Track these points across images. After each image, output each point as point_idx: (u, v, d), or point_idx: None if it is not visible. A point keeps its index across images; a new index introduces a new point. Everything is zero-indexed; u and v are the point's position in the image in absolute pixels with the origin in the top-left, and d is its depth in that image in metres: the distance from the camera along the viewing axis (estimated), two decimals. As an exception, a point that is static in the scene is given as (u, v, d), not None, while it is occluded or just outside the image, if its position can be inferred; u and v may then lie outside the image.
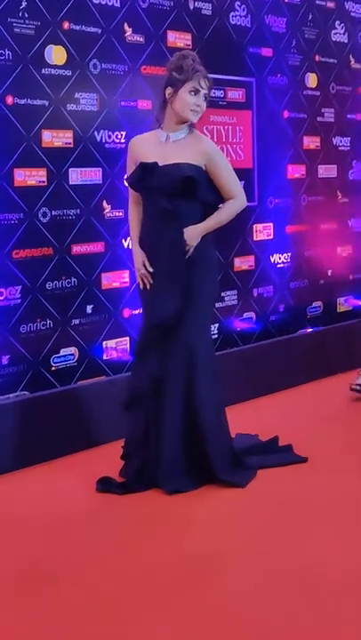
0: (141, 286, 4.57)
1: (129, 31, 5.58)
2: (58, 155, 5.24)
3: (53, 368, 5.31)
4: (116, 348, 5.65)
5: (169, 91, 4.47)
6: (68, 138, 5.28)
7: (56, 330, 5.32)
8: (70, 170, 5.31)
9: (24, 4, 4.99)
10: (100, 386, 5.35)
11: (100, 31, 5.41)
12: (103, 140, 5.48)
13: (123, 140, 5.56)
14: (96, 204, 5.47)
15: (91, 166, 5.42)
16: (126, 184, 4.63)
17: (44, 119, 5.14)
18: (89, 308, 5.49)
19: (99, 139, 5.45)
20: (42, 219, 5.19)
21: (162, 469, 4.42)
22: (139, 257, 4.56)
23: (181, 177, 4.37)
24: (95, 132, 5.43)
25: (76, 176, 5.36)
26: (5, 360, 5.05)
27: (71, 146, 5.30)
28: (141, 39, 5.68)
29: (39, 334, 5.24)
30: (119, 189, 5.54)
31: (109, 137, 5.50)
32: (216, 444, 4.47)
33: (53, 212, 5.25)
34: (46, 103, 5.15)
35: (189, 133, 4.54)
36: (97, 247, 5.51)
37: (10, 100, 4.96)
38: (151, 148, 4.52)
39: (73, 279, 5.39)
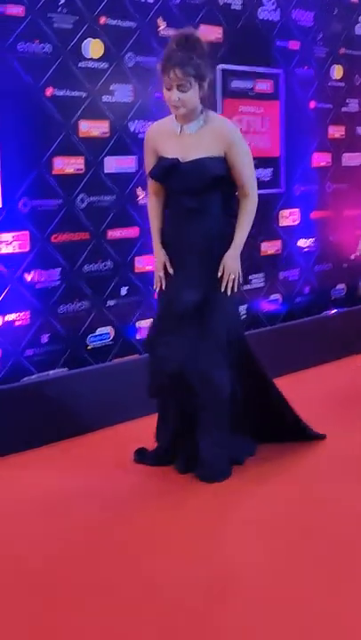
0: (156, 287, 4.27)
1: (163, 25, 5.53)
2: (94, 144, 5.24)
3: (90, 347, 5.33)
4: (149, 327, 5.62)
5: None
6: (104, 128, 5.27)
7: (92, 310, 5.33)
8: (106, 158, 5.30)
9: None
10: (133, 363, 5.33)
11: (135, 25, 5.38)
12: (137, 130, 5.44)
13: None
14: (130, 190, 5.45)
15: (125, 155, 5.39)
16: (147, 176, 4.29)
17: (81, 110, 5.13)
18: (123, 290, 5.50)
19: (133, 129, 5.43)
20: (79, 205, 5.18)
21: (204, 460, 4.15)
22: (161, 257, 4.25)
23: (208, 176, 4.05)
24: (130, 123, 5.40)
25: (112, 164, 5.34)
26: (45, 339, 5.06)
27: (107, 135, 5.30)
28: (174, 32, 5.57)
29: (77, 314, 5.26)
30: None
31: (143, 127, 5.42)
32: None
33: (90, 199, 5.24)
34: (84, 95, 5.14)
35: (205, 121, 4.12)
36: (131, 232, 5.50)
37: (49, 91, 4.94)
38: (169, 140, 4.15)
39: (108, 262, 5.39)
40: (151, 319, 4.54)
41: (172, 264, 4.20)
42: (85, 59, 5.12)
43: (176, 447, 4.28)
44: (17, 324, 4.90)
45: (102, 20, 5.18)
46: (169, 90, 3.96)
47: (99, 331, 5.37)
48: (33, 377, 4.95)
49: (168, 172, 4.07)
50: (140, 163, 5.39)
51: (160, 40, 5.49)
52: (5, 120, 4.73)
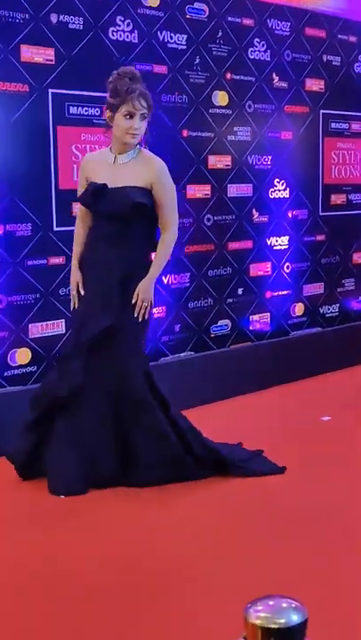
0: (72, 305, 3.88)
1: (276, 79, 5.74)
2: (219, 174, 5.42)
3: (212, 335, 5.51)
4: (260, 320, 5.81)
5: (108, 114, 3.76)
6: (227, 161, 5.46)
7: (215, 306, 5.50)
8: (229, 185, 5.49)
9: (197, 59, 5.21)
10: (247, 349, 5.62)
11: (254, 79, 5.59)
12: (253, 163, 5.64)
13: (269, 163, 5.74)
14: (247, 211, 5.64)
15: (244, 182, 5.59)
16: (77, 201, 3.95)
17: (209, 147, 5.34)
18: (240, 291, 5.65)
19: (250, 161, 5.62)
20: (206, 222, 5.39)
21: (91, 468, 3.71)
22: (74, 277, 3.85)
23: (130, 202, 3.67)
24: (248, 157, 5.60)
25: (233, 190, 5.52)
26: (177, 328, 5.29)
27: (229, 167, 5.49)
28: (285, 85, 5.82)
29: (202, 309, 5.43)
30: (265, 200, 5.76)
31: (258, 160, 5.67)
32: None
33: (215, 218, 5.44)
34: (212, 135, 5.35)
35: (138, 153, 3.80)
36: (247, 244, 5.67)
37: (185, 133, 5.20)
38: (101, 168, 3.79)
39: (228, 268, 5.56)
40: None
41: (87, 286, 3.81)
42: (214, 106, 5.35)
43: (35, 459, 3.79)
44: (156, 315, 5.02)
45: (228, 75, 5.43)
46: (131, 118, 3.67)
47: (220, 322, 5.53)
48: (168, 358, 5.20)
49: (95, 195, 3.72)
50: (255, 189, 5.66)
51: (274, 91, 5.71)
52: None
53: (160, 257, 3.84)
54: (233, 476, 3.88)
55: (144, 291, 3.77)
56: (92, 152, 3.98)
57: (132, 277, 3.75)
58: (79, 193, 3.87)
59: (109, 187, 3.72)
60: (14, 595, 2.83)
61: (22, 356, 4.56)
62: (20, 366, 4.55)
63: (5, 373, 4.50)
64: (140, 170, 3.76)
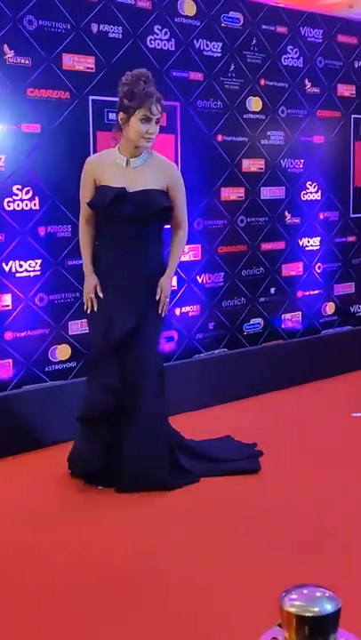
0: (87, 309, 3.76)
1: (308, 85, 5.73)
2: (253, 177, 5.43)
3: (245, 333, 5.52)
4: (291, 319, 5.81)
5: (121, 116, 3.63)
6: (260, 164, 5.47)
7: (247, 305, 5.51)
8: (262, 188, 5.50)
9: (232, 66, 5.22)
10: (278, 347, 5.62)
11: (287, 85, 5.59)
12: (286, 166, 5.65)
13: (301, 166, 5.73)
14: (280, 213, 5.65)
15: (277, 185, 5.59)
16: (84, 204, 3.78)
17: (243, 151, 5.35)
18: (272, 290, 5.66)
19: (283, 165, 5.63)
20: (239, 224, 5.40)
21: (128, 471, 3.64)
22: (92, 281, 3.72)
23: (155, 206, 3.63)
24: (281, 160, 5.60)
25: (266, 192, 5.54)
26: (211, 326, 5.32)
27: (262, 170, 5.50)
28: (317, 90, 5.81)
29: (235, 308, 5.44)
30: (297, 202, 5.75)
31: (291, 164, 5.67)
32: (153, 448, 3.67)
33: (248, 219, 5.45)
34: (246, 139, 5.36)
35: (150, 156, 3.72)
36: (280, 245, 5.68)
37: (220, 137, 5.21)
38: (112, 171, 3.66)
39: (261, 268, 5.57)
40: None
41: (107, 288, 3.71)
42: (248, 112, 5.36)
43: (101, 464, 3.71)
44: (190, 314, 5.18)
45: (262, 81, 5.43)
46: (147, 122, 3.57)
47: (252, 321, 5.54)
48: (202, 355, 5.23)
49: (114, 199, 3.60)
50: (288, 192, 5.65)
51: (306, 96, 5.70)
52: (186, 159, 4.99)
53: (177, 255, 3.83)
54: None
55: (166, 287, 3.75)
56: (95, 154, 3.85)
57: (152, 276, 3.73)
58: (86, 196, 3.74)
59: (128, 190, 3.63)
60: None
61: (62, 352, 4.61)
62: (61, 362, 4.60)
63: (47, 369, 4.55)
64: (155, 172, 3.69)
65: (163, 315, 3.76)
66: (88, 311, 3.76)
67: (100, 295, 3.70)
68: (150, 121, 3.57)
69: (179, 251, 3.84)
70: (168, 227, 3.88)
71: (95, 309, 3.73)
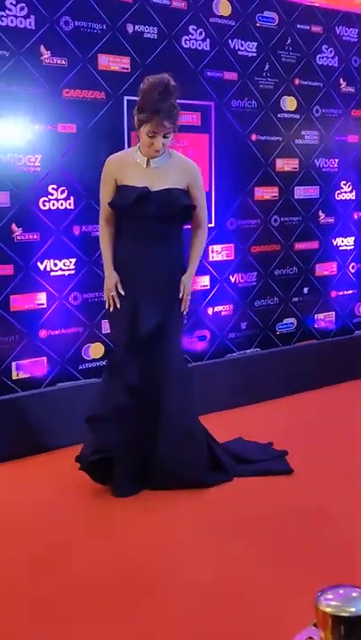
0: (109, 306, 3.74)
1: (343, 84, 5.70)
2: (287, 177, 5.44)
3: (278, 332, 5.53)
4: (325, 319, 5.81)
5: (135, 121, 3.60)
6: (294, 164, 5.48)
7: (281, 305, 5.52)
8: (296, 187, 5.50)
9: (267, 66, 5.23)
10: (311, 347, 5.62)
11: (321, 85, 5.58)
12: (320, 166, 5.65)
13: (335, 166, 5.72)
14: (314, 212, 5.64)
15: (311, 185, 5.59)
16: (103, 204, 3.77)
17: (277, 151, 5.36)
18: (305, 290, 5.67)
19: (317, 164, 5.63)
20: (273, 224, 5.41)
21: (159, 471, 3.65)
22: (112, 279, 3.70)
23: (179, 205, 3.63)
24: (315, 160, 5.60)
25: (300, 192, 5.54)
26: (244, 325, 5.33)
27: (297, 170, 5.50)
28: (352, 90, 5.78)
29: (268, 308, 5.46)
30: (331, 202, 5.74)
31: (325, 163, 5.67)
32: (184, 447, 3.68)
33: (282, 219, 5.46)
34: (280, 139, 5.37)
35: (169, 156, 3.69)
36: (313, 245, 5.67)
37: (254, 137, 5.23)
38: (132, 171, 3.65)
39: (294, 268, 5.58)
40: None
41: (129, 286, 3.69)
42: (283, 111, 5.37)
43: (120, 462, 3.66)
44: (223, 313, 5.20)
45: (296, 81, 5.44)
46: (152, 137, 3.54)
47: (285, 320, 5.56)
48: (234, 354, 5.25)
49: (138, 199, 3.58)
50: (322, 191, 5.65)
51: (341, 96, 5.69)
52: (221, 158, 5.02)
53: (198, 254, 3.82)
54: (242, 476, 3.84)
55: (188, 286, 3.75)
56: (116, 154, 3.78)
57: (174, 275, 3.73)
58: (107, 196, 3.71)
59: (151, 190, 3.61)
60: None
61: (96, 350, 4.65)
62: (94, 360, 4.64)
63: (80, 367, 4.60)
64: (176, 171, 3.67)
65: (184, 313, 3.78)
66: (111, 309, 3.74)
67: (122, 292, 3.69)
68: (156, 136, 3.53)
69: (200, 250, 3.84)
70: (188, 227, 3.88)
71: (118, 306, 3.71)
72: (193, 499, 3.62)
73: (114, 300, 3.71)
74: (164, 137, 3.55)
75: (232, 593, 2.79)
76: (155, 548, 3.14)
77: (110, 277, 3.73)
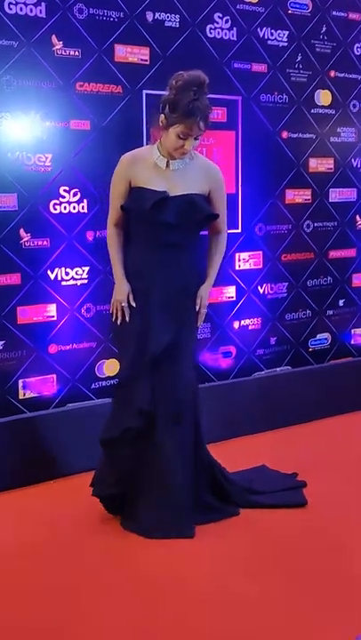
0: (115, 319, 3.61)
1: None
2: (321, 178, 5.35)
3: (310, 349, 5.45)
4: None
5: (162, 119, 3.45)
6: (329, 164, 5.38)
7: (314, 318, 5.45)
8: (330, 190, 5.40)
9: (299, 57, 5.14)
10: (348, 365, 5.49)
11: (359, 77, 5.47)
12: (358, 166, 5.54)
13: None
14: (350, 217, 5.54)
15: (348, 187, 5.49)
16: (114, 206, 3.63)
17: (311, 149, 5.27)
18: (341, 302, 5.57)
19: (355, 164, 5.52)
20: (306, 229, 5.32)
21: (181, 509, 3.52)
22: (124, 288, 3.57)
23: (201, 213, 3.54)
24: (352, 160, 5.49)
25: (335, 195, 5.44)
26: (273, 341, 5.26)
27: (332, 170, 5.40)
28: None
29: (300, 321, 5.38)
30: None
31: None
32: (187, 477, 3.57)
33: (315, 224, 5.37)
34: (313, 136, 5.28)
35: (191, 158, 3.57)
36: (350, 252, 5.58)
37: (285, 134, 5.14)
38: (149, 172, 3.52)
39: (329, 278, 5.49)
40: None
41: (139, 299, 3.57)
42: (317, 106, 5.27)
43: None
44: (250, 327, 5.14)
45: (332, 73, 5.33)
46: (184, 139, 3.41)
47: (318, 336, 5.49)
48: (262, 372, 5.17)
49: (156, 204, 3.46)
50: (359, 194, 5.52)
51: None
52: (248, 158, 4.95)
53: (217, 262, 3.73)
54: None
55: (206, 297, 3.67)
56: (131, 152, 3.62)
57: (189, 286, 3.63)
58: (119, 197, 3.58)
59: (170, 194, 3.50)
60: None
61: (110, 367, 4.55)
62: (108, 378, 4.55)
63: (93, 385, 4.51)
64: (198, 175, 3.57)
65: (199, 326, 3.73)
66: (119, 322, 3.61)
67: (133, 304, 3.57)
68: (188, 138, 3.43)
69: (219, 258, 3.75)
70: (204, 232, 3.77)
71: (127, 319, 3.58)
72: (201, 532, 3.51)
73: (123, 312, 3.59)
74: (195, 138, 3.47)
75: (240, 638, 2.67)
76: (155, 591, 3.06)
77: (122, 287, 3.60)
